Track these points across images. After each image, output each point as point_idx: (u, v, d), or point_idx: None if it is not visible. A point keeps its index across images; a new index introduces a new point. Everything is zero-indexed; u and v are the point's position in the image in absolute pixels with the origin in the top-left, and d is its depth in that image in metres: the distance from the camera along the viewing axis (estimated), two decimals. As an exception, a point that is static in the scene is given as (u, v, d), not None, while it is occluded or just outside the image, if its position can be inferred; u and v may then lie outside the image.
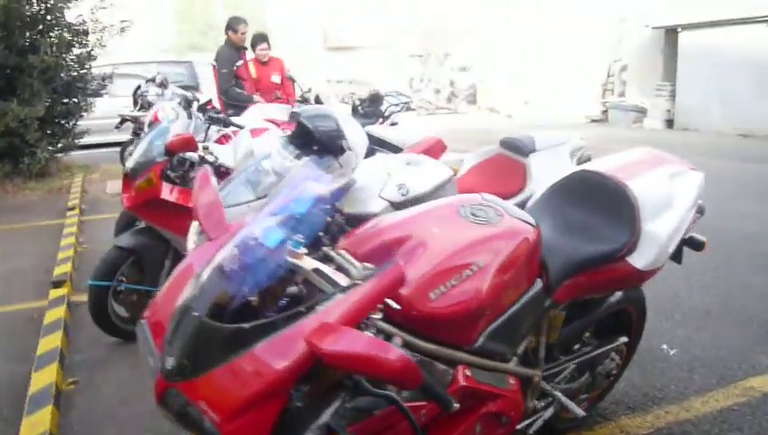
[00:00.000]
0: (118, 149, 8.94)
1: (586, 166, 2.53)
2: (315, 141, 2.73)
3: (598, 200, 2.29)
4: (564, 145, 3.55)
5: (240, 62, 6.83)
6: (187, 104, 4.68)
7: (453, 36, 33.07)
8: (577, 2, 18.94)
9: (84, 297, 4.50)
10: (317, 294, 1.53)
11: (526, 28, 19.81)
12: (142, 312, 3.76)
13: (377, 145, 4.38)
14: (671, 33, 15.50)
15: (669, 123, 15.14)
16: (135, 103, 7.65)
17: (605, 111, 17.88)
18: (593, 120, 17.85)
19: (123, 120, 7.55)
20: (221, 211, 1.92)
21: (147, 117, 4.68)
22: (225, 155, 3.63)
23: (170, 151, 3.46)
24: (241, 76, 6.83)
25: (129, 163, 3.62)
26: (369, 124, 5.60)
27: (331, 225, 1.88)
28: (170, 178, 3.58)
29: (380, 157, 3.67)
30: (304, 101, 6.46)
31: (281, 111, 6.07)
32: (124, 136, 9.21)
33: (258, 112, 5.00)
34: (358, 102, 5.70)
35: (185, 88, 10.69)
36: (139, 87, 7.83)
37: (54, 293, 4.36)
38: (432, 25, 36.36)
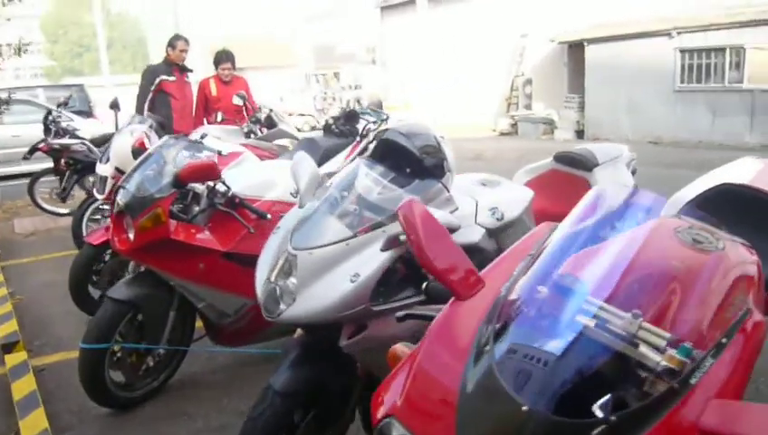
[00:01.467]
0: (15, 182, 7.96)
1: (724, 180, 2.27)
2: (410, 162, 2.29)
3: (754, 214, 2.02)
4: (621, 157, 3.30)
5: (163, 78, 6.24)
6: (159, 128, 4.07)
7: (338, 57, 33.17)
8: (478, 19, 19.36)
9: (44, 360, 3.80)
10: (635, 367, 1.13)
11: (429, 47, 19.95)
12: (141, 374, 3.22)
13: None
14: (575, 48, 16.06)
15: (580, 134, 15.64)
16: (47, 131, 6.82)
17: (514, 124, 18.27)
18: (502, 134, 18.18)
19: (34, 150, 6.71)
20: (466, 259, 1.48)
21: (116, 144, 4.01)
22: (235, 183, 3.10)
23: (182, 182, 2.90)
24: (170, 93, 6.25)
25: (121, 199, 2.99)
26: (345, 144, 5.18)
27: None
28: (173, 214, 3.00)
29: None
30: (256, 121, 5.93)
31: (232, 133, 5.54)
32: (29, 167, 8.28)
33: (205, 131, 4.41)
34: (331, 121, 5.24)
35: (77, 113, 9.88)
36: (50, 112, 7.03)
37: (11, 359, 3.60)
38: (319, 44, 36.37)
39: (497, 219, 2.47)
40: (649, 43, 13.70)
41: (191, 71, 6.60)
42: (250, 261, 3.14)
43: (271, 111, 6.15)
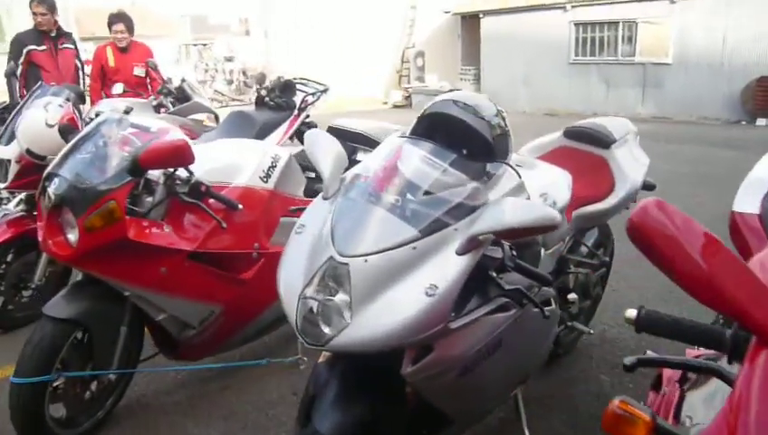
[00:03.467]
0: None
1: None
2: (468, 141, 1.85)
3: None
4: (631, 132, 3.02)
5: (31, 48, 5.29)
6: (79, 100, 3.34)
7: (212, 27, 31.57)
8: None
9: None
10: None
11: (316, 16, 19.25)
12: (84, 405, 2.58)
13: (354, 141, 3.51)
14: (468, 19, 16.06)
15: (476, 106, 15.66)
16: None
17: (407, 97, 18.06)
18: (396, 106, 17.96)
19: None
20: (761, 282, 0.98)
21: (27, 121, 3.22)
22: (200, 169, 2.53)
23: (143, 167, 2.30)
24: (41, 65, 5.31)
25: (55, 191, 2.33)
26: (282, 119, 4.63)
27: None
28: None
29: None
30: (167, 93, 5.22)
31: (140, 108, 4.82)
32: None
33: (108, 107, 3.71)
34: (264, 93, 4.65)
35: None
36: None
37: None
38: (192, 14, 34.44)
39: (550, 207, 2.10)
40: (545, 15, 13.89)
41: (68, 34, 5.57)
42: (219, 261, 2.64)
43: (183, 81, 5.45)
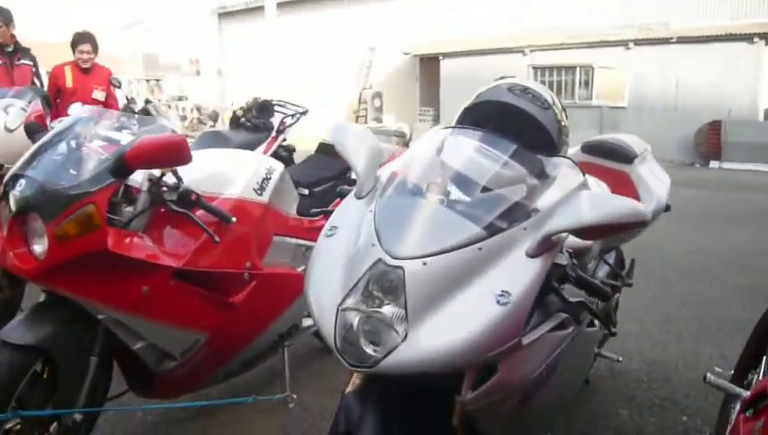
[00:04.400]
0: None
1: None
2: (522, 132, 1.61)
3: None
4: (648, 149, 2.86)
5: None
6: (45, 104, 2.99)
7: (163, 66, 31.15)
8: (326, 30, 18.94)
9: None
10: None
11: (273, 55, 19.13)
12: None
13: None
14: (426, 61, 16.15)
15: (435, 146, 15.67)
16: None
17: (365, 137, 17.94)
18: (353, 146, 17.81)
19: None
20: None
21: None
22: (187, 177, 2.21)
23: (130, 166, 1.97)
24: None
25: (22, 192, 1.98)
26: (259, 140, 4.34)
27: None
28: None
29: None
30: (131, 113, 4.87)
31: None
32: None
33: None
34: (240, 113, 4.35)
35: None
36: None
37: None
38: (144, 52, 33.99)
39: None
40: (504, 59, 14.06)
41: (26, 50, 5.18)
42: (206, 281, 2.31)
43: (148, 102, 5.12)
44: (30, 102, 2.96)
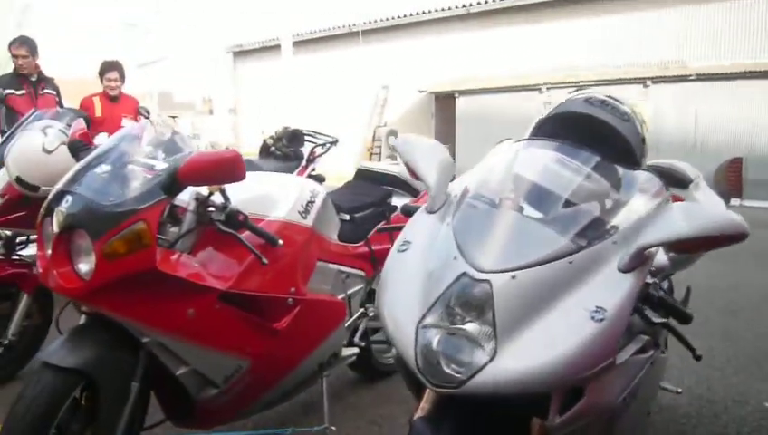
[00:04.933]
0: None
1: None
2: (601, 144, 1.55)
3: None
4: (700, 175, 2.79)
5: (8, 92, 4.91)
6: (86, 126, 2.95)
7: (176, 105, 31.50)
8: (340, 68, 19.14)
9: None
10: None
11: (288, 94, 19.31)
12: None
13: (389, 184, 3.18)
14: (442, 99, 16.24)
15: (450, 183, 15.65)
16: None
17: (381, 174, 17.97)
18: (369, 183, 17.83)
19: None
20: None
21: (20, 145, 2.79)
22: (237, 196, 2.16)
23: (182, 182, 1.92)
24: (18, 110, 4.89)
25: (69, 209, 1.92)
26: (289, 169, 4.30)
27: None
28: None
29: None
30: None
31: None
32: None
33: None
34: (270, 141, 4.32)
35: None
36: None
37: None
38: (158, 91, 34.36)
39: None
40: (520, 96, 14.09)
41: (49, 79, 5.23)
42: (250, 304, 2.23)
43: (175, 133, 5.08)
44: (69, 124, 2.93)
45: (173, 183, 1.90)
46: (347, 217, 2.82)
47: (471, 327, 1.25)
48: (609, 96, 1.76)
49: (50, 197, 2.03)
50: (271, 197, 2.38)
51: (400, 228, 1.63)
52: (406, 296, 1.36)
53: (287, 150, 4.28)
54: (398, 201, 3.11)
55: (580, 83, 13.12)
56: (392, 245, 2.88)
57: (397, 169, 3.29)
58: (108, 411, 2.00)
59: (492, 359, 1.21)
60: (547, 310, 1.24)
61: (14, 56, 4.93)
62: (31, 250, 3.32)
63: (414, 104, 17.68)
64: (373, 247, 2.87)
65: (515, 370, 1.21)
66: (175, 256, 2.00)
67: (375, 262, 2.89)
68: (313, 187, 2.57)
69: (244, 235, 2.14)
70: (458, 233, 1.37)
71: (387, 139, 18.81)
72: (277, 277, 2.29)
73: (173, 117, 28.35)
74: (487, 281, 1.25)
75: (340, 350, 2.75)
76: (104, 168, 2.04)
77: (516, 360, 1.21)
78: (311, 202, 2.48)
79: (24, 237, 3.34)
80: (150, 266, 1.87)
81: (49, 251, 1.98)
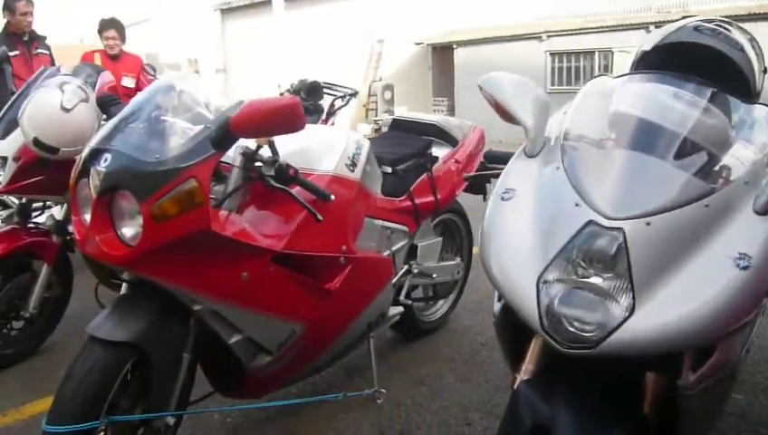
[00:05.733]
0: None
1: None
2: (714, 77, 1.38)
3: None
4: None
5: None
6: (96, 82, 2.74)
7: (162, 67, 30.76)
8: (332, 23, 18.67)
9: None
10: None
11: (279, 51, 18.85)
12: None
13: (428, 134, 3.01)
14: (439, 51, 15.89)
15: (451, 137, 15.45)
16: None
17: (378, 130, 17.68)
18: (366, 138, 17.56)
19: None
20: None
21: (36, 104, 2.57)
22: (283, 150, 1.98)
23: (237, 134, 1.75)
24: (12, 72, 4.60)
25: (108, 167, 1.73)
26: (309, 123, 4.09)
27: None
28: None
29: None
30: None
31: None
32: None
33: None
34: (288, 95, 4.12)
35: None
36: None
37: None
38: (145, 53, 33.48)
39: None
40: (520, 45, 13.80)
41: (43, 38, 4.89)
42: (302, 265, 2.08)
43: (182, 92, 4.86)
44: (87, 81, 2.72)
45: (225, 136, 1.72)
46: (389, 169, 2.66)
47: (602, 281, 1.11)
48: (720, 23, 1.58)
49: (84, 155, 1.84)
50: (317, 149, 2.21)
51: (491, 175, 1.46)
52: (518, 249, 1.21)
53: (307, 104, 4.07)
54: (438, 151, 2.94)
55: (581, 30, 12.85)
56: (435, 198, 2.77)
57: (435, 117, 3.12)
58: (160, 385, 1.86)
59: (630, 314, 1.08)
60: (685, 259, 1.11)
61: (22, 14, 4.61)
62: (46, 217, 3.14)
63: (410, 57, 17.32)
64: (417, 201, 2.71)
65: (656, 326, 1.08)
66: (224, 216, 1.84)
67: (418, 216, 2.74)
68: (357, 138, 2.40)
69: (295, 190, 1.97)
70: (574, 177, 1.22)
71: (382, 93, 18.46)
72: (329, 235, 2.14)
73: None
74: (619, 229, 1.10)
75: (387, 309, 2.63)
76: (143, 122, 1.85)
77: (656, 315, 1.08)
78: (357, 154, 2.31)
79: (40, 204, 3.16)
80: (204, 228, 1.71)
81: (87, 216, 1.81)
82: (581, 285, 1.12)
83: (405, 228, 2.70)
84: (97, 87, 2.21)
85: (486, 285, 3.87)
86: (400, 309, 2.77)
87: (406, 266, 2.78)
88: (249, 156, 1.92)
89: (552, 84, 13.68)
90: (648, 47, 1.60)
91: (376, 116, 18.21)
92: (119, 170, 1.71)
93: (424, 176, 2.79)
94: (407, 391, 2.69)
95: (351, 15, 18.25)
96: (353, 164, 2.27)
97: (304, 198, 1.99)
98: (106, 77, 2.27)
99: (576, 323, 1.12)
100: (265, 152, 1.93)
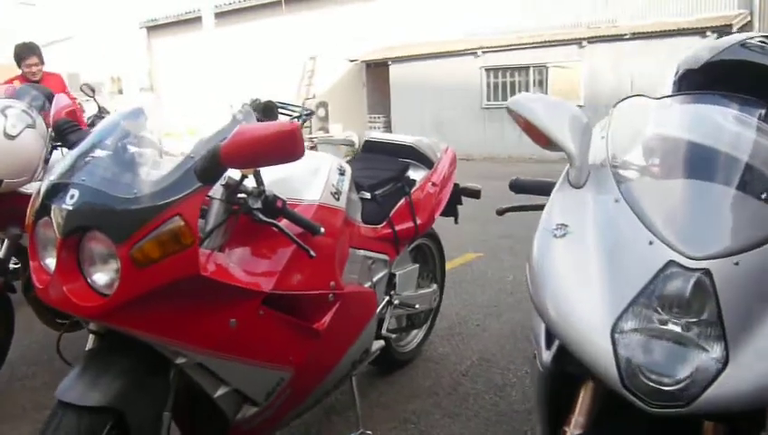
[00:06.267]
0: None
1: None
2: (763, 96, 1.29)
3: None
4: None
5: None
6: (47, 101, 2.47)
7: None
8: (265, 41, 18.42)
9: None
10: None
11: (211, 69, 18.42)
12: None
13: (405, 156, 2.87)
14: (373, 68, 15.85)
15: (388, 153, 15.39)
16: None
17: (313, 147, 17.45)
18: (302, 158, 17.31)
19: None
20: None
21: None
22: (267, 177, 1.79)
23: (223, 165, 1.55)
24: None
25: (74, 204, 1.50)
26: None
27: None
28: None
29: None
30: (91, 126, 4.37)
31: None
32: None
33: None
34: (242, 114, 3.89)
35: None
36: None
37: None
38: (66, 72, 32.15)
39: None
40: (455, 61, 13.91)
41: None
42: (291, 304, 1.90)
43: (105, 111, 4.61)
44: (32, 104, 2.44)
45: (213, 167, 1.52)
46: (368, 195, 2.50)
47: (686, 329, 0.98)
48: (764, 38, 1.50)
49: (41, 191, 1.61)
50: (301, 177, 2.03)
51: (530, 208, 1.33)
52: (582, 293, 1.08)
53: (261, 125, 3.86)
54: (415, 174, 2.80)
55: (515, 46, 13.07)
56: (414, 223, 2.62)
57: (409, 138, 2.97)
58: (138, 449, 1.62)
59: (724, 366, 0.95)
60: None
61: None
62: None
63: (344, 74, 17.23)
64: (396, 228, 2.56)
65: (755, 379, 0.96)
66: (206, 256, 1.63)
67: (398, 244, 2.59)
68: (339, 163, 2.23)
69: (282, 224, 1.79)
70: (640, 212, 1.09)
71: (317, 111, 18.28)
72: (319, 271, 1.96)
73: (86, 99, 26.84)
74: (705, 270, 0.98)
75: (370, 345, 2.45)
76: (111, 152, 1.63)
77: (754, 366, 0.96)
78: (340, 181, 2.15)
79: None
80: (193, 272, 1.51)
81: (49, 260, 1.58)
82: (663, 335, 0.99)
83: (385, 257, 2.54)
84: (52, 111, 1.96)
85: (456, 310, 3.75)
86: (382, 343, 2.61)
87: (387, 298, 2.62)
88: (233, 187, 1.72)
89: (488, 99, 13.85)
90: (695, 65, 1.51)
91: (310, 133, 18.02)
92: (88, 208, 1.49)
93: (402, 201, 2.64)
94: (393, 431, 2.52)
95: (283, 32, 18.05)
96: (338, 192, 2.10)
97: (291, 232, 1.80)
98: (63, 100, 2.01)
99: (654, 377, 0.99)
100: (249, 182, 1.74)
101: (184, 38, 19.89)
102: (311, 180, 2.04)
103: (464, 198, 3.14)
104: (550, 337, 1.24)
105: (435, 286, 3.08)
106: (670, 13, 12.15)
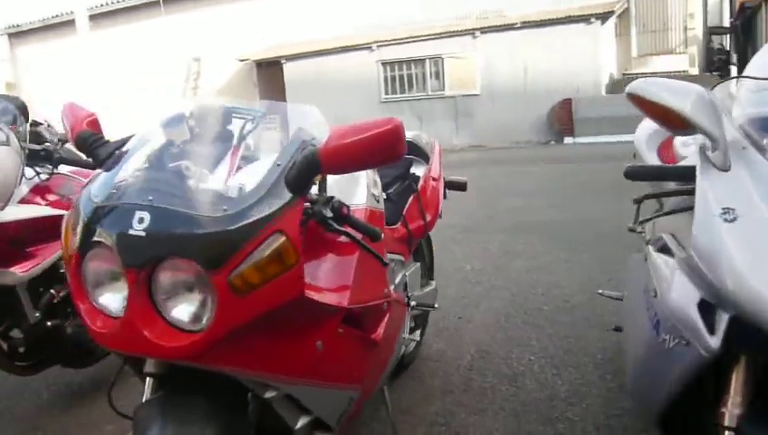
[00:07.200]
0: None
1: None
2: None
3: None
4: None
5: None
6: (20, 114, 2.14)
7: None
8: (145, 44, 17.55)
9: None
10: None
11: (88, 74, 17.31)
12: None
13: (413, 154, 2.78)
14: (265, 66, 15.50)
15: (288, 153, 15.13)
16: None
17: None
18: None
19: None
20: None
21: None
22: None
23: (328, 171, 1.40)
24: None
25: (146, 228, 1.30)
26: (219, 152, 3.65)
27: None
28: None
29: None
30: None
31: None
32: None
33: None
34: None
35: None
36: None
37: None
38: None
39: None
40: (351, 56, 13.87)
41: None
42: (356, 317, 1.77)
43: (36, 123, 4.15)
44: (1, 119, 2.11)
45: (309, 174, 1.37)
46: (384, 195, 2.38)
47: None
48: None
49: (83, 216, 1.38)
50: (345, 180, 1.88)
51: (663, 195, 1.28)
52: None
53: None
54: (417, 170, 2.72)
55: (410, 38, 13.21)
56: (424, 221, 2.54)
57: (409, 133, 2.87)
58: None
59: None
60: None
61: None
62: None
63: (233, 75, 16.73)
64: (410, 226, 2.47)
65: None
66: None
67: (411, 243, 2.50)
68: (367, 163, 2.10)
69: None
70: None
71: (206, 114, 17.65)
72: (377, 279, 1.85)
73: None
74: None
75: (401, 350, 2.36)
76: (171, 166, 1.44)
77: None
78: (376, 182, 2.04)
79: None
80: (298, 294, 1.35)
81: (103, 298, 1.36)
82: None
83: (401, 258, 2.45)
84: (68, 122, 1.68)
85: (443, 302, 3.69)
86: (404, 348, 2.51)
87: (406, 299, 2.53)
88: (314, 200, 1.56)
89: (386, 93, 13.93)
90: None
91: (201, 137, 17.38)
92: (166, 232, 1.29)
93: (411, 198, 2.55)
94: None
95: (163, 34, 17.25)
96: (376, 194, 1.99)
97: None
98: (78, 108, 1.72)
99: None
100: (313, 190, 1.59)
101: (55, 44, 18.57)
102: (353, 183, 1.90)
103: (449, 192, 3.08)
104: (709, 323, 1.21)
105: (434, 283, 3.01)
106: (552, 1, 12.71)
